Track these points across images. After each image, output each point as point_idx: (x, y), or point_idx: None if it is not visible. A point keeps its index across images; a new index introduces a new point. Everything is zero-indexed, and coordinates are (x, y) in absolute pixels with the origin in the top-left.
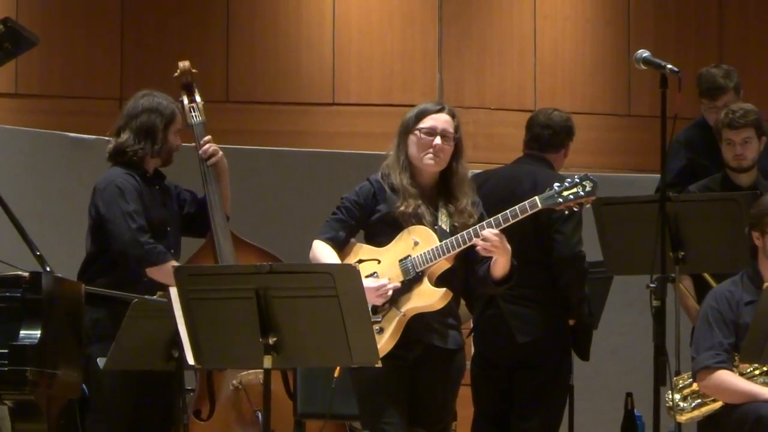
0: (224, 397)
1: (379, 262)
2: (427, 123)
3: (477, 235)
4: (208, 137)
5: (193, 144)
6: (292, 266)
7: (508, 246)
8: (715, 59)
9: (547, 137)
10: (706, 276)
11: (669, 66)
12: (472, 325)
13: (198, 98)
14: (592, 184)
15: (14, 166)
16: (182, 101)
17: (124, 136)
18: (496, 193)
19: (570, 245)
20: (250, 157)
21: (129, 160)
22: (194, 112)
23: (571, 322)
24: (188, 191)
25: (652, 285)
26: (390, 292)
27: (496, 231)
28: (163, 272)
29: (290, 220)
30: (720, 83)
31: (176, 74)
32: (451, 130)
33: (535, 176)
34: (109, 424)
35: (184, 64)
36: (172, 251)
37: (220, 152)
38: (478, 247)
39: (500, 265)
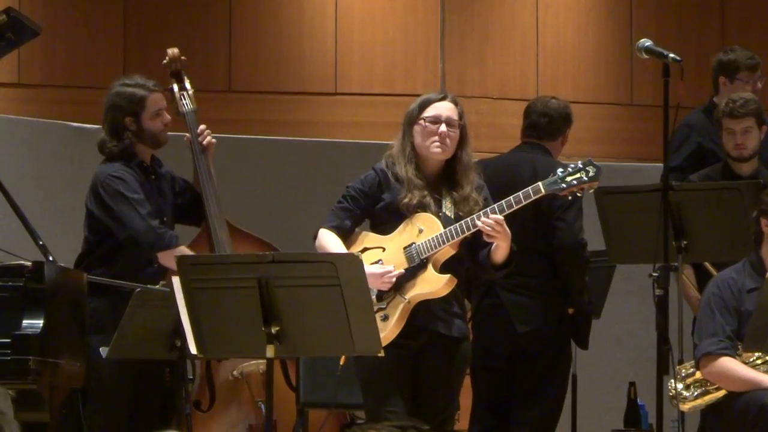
0: (224, 388)
1: (384, 250)
2: (431, 111)
3: (500, 212)
4: (203, 126)
5: (182, 133)
6: (294, 255)
7: (509, 231)
8: (718, 48)
9: (544, 125)
10: (707, 265)
11: (671, 55)
12: (470, 315)
13: (188, 85)
14: (595, 170)
15: (17, 155)
16: (172, 89)
17: (103, 132)
18: (495, 181)
19: (572, 233)
20: (252, 146)
21: (113, 155)
22: (185, 99)
23: (571, 310)
24: (183, 179)
25: (654, 274)
26: (394, 279)
27: (499, 217)
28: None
29: (293, 210)
30: (756, 57)
31: (165, 61)
32: (456, 117)
33: (534, 164)
34: (108, 414)
35: (173, 51)
36: None
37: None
38: (482, 230)
39: (501, 250)
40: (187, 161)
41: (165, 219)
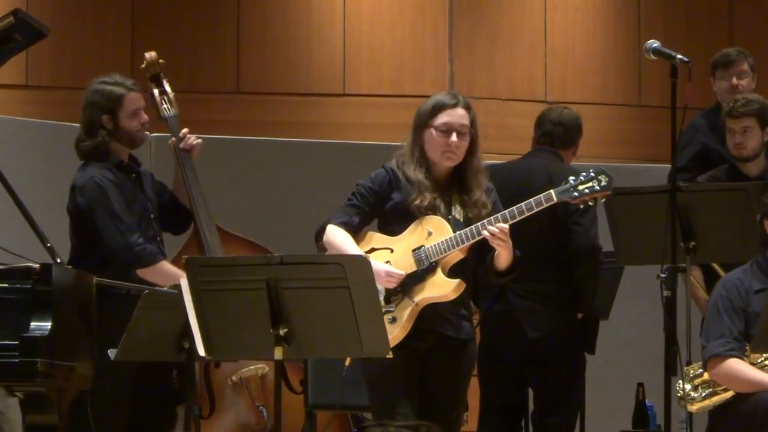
0: (223, 394)
1: (392, 251)
2: (442, 118)
3: (505, 221)
4: (185, 130)
5: (166, 134)
6: (302, 257)
7: (510, 241)
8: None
9: (560, 134)
10: (715, 266)
11: (679, 56)
12: (479, 318)
13: (168, 89)
14: (607, 179)
15: (25, 157)
16: (152, 94)
17: (80, 131)
18: (508, 186)
19: (589, 237)
20: (260, 148)
21: (85, 153)
22: (166, 104)
23: (579, 315)
24: (159, 182)
25: (662, 275)
26: (398, 281)
27: (504, 226)
28: (155, 273)
29: (301, 212)
30: (732, 53)
31: (143, 66)
32: (467, 123)
33: (549, 169)
34: (108, 416)
35: (150, 55)
36: (158, 239)
37: (199, 142)
38: (486, 237)
39: (502, 258)
40: (168, 164)
41: (152, 217)
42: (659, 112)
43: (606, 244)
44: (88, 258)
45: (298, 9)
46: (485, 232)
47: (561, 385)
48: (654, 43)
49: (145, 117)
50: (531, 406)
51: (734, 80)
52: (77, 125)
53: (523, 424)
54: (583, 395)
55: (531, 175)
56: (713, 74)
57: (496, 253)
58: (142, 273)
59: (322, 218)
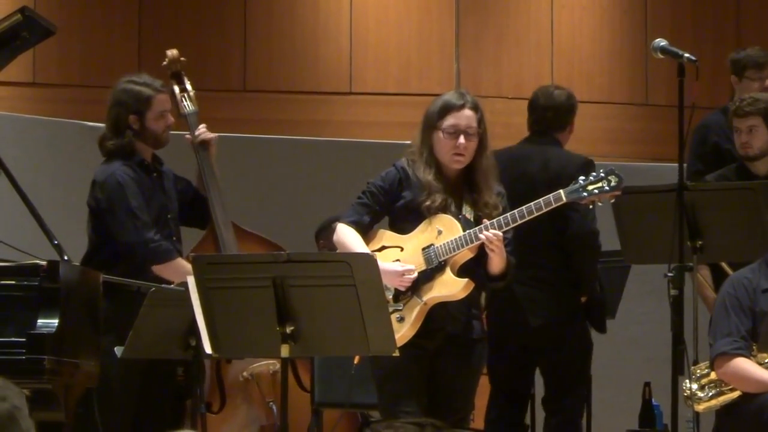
0: (234, 389)
1: (402, 249)
2: (450, 120)
3: (500, 227)
4: (202, 125)
5: (185, 133)
6: (309, 255)
7: (503, 249)
8: (733, 48)
9: (551, 119)
10: (723, 265)
11: (686, 55)
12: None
13: (189, 86)
14: (617, 180)
15: (32, 155)
16: (173, 91)
17: (106, 129)
18: (505, 173)
19: (586, 222)
20: (266, 146)
21: (110, 152)
22: (186, 101)
23: (583, 299)
24: (185, 179)
25: (669, 274)
26: (413, 279)
27: (498, 233)
28: (170, 270)
29: (307, 210)
30: (762, 55)
31: (164, 63)
32: (474, 125)
33: (545, 154)
34: (115, 413)
35: (172, 53)
36: (174, 238)
37: (213, 136)
38: (483, 241)
39: (495, 263)
40: (188, 161)
41: (170, 216)
42: (666, 111)
43: (613, 242)
44: (103, 252)
45: (305, 7)
46: (482, 236)
47: (570, 368)
48: (661, 42)
49: (171, 119)
50: (534, 389)
51: (767, 82)
52: (85, 123)
53: (529, 406)
54: (589, 390)
55: (526, 161)
56: (742, 74)
57: (489, 257)
58: (158, 269)
59: (328, 216)
